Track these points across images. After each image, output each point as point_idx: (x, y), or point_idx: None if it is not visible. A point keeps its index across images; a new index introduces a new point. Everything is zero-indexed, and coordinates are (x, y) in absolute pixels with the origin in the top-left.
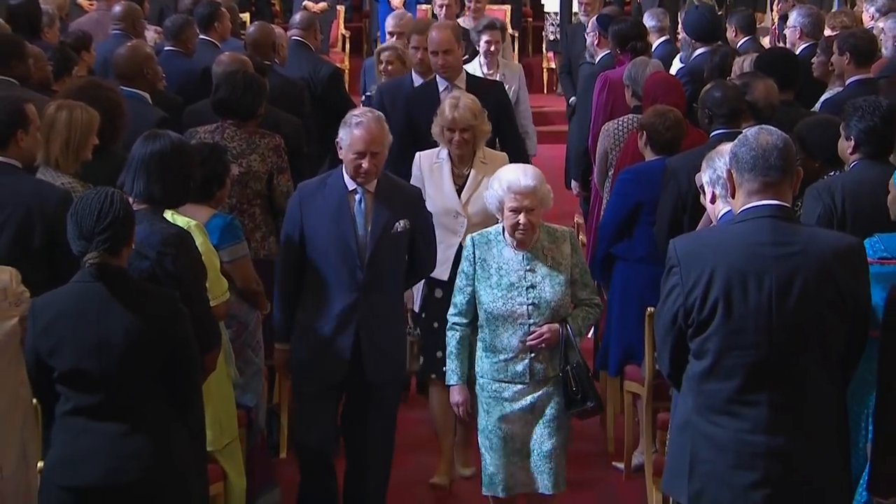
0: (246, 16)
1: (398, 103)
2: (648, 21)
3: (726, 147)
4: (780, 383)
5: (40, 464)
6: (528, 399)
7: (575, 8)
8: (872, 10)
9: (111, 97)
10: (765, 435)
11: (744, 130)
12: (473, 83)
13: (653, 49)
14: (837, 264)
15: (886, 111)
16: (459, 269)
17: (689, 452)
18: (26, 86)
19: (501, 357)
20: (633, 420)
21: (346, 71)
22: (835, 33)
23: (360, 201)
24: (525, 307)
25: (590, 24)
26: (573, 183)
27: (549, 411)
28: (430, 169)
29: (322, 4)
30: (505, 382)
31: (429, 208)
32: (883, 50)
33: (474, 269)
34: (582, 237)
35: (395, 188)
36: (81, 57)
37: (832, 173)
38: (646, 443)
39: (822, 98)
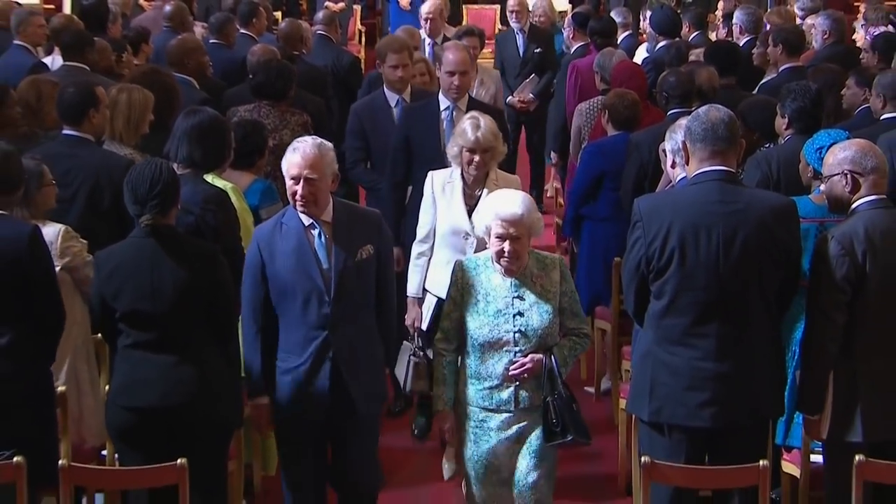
0: (278, 13)
1: (378, 120)
2: (616, 18)
3: (684, 121)
4: (726, 318)
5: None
6: (514, 428)
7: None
8: (798, 8)
9: (166, 81)
10: (713, 362)
11: (695, 108)
12: (475, 106)
13: (619, 42)
14: (774, 220)
15: (815, 94)
16: (447, 293)
17: (650, 377)
18: (95, 71)
19: (486, 384)
20: (601, 352)
21: (363, 60)
22: (770, 28)
23: (320, 235)
24: (512, 335)
25: (566, 21)
26: (552, 154)
27: (536, 441)
28: (443, 189)
29: (341, 4)
30: (490, 411)
31: (438, 228)
32: (812, 42)
33: (461, 294)
34: (560, 199)
35: (353, 215)
36: (140, 48)
37: (769, 145)
38: (612, 370)
39: (761, 82)
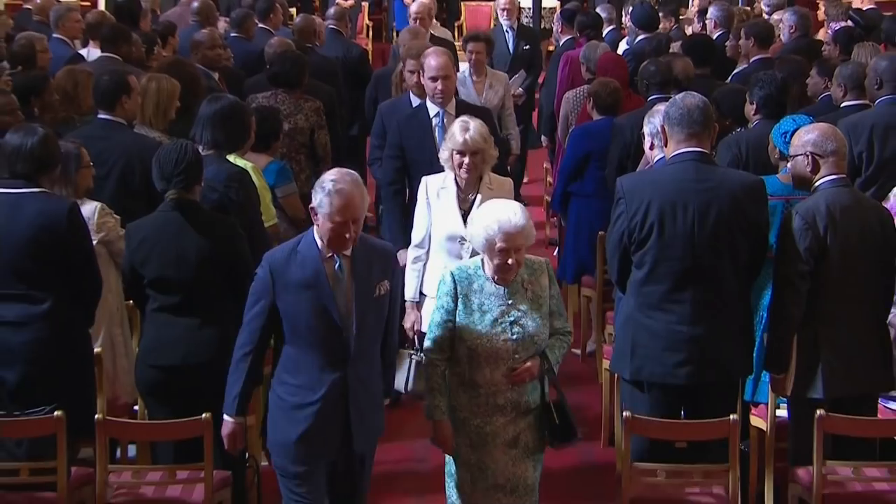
0: (293, 9)
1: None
2: (601, 13)
3: (662, 107)
4: (700, 286)
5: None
6: (510, 432)
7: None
8: (766, 5)
9: (190, 71)
10: (688, 325)
11: (673, 95)
12: (463, 109)
13: (604, 35)
14: (744, 196)
15: (781, 82)
16: (438, 303)
17: (631, 340)
18: (128, 62)
19: (482, 391)
20: (587, 317)
21: (370, 52)
22: (741, 23)
23: (340, 268)
24: (510, 343)
25: (555, 17)
26: (542, 137)
27: (531, 444)
28: (437, 194)
29: (351, 1)
30: (486, 417)
31: (434, 233)
32: (780, 36)
33: (455, 304)
34: (550, 178)
35: (370, 250)
36: (168, 41)
37: (739, 129)
38: (596, 334)
39: (734, 72)
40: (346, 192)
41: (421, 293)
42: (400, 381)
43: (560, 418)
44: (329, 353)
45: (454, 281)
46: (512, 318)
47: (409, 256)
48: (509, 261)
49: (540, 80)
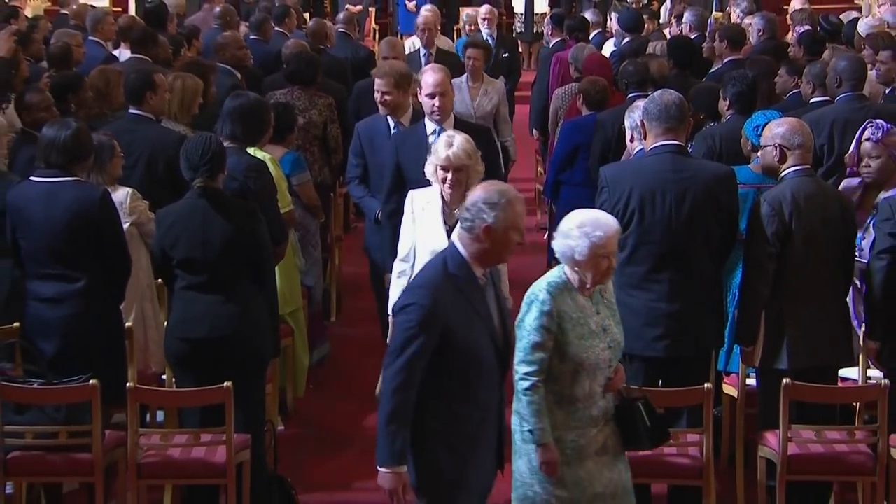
0: (307, 14)
1: (376, 143)
2: (588, 17)
3: (641, 103)
4: (677, 267)
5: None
6: (601, 440)
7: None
8: (738, 11)
9: (206, 71)
10: (666, 303)
11: (650, 92)
12: (461, 127)
13: (591, 38)
14: (717, 185)
15: (752, 81)
16: (536, 324)
17: None
18: (156, 63)
19: (580, 405)
20: None
21: (377, 53)
22: (715, 27)
23: (488, 288)
24: (606, 352)
25: (545, 20)
26: (534, 131)
27: (616, 446)
28: (423, 208)
29: (359, 7)
30: (581, 430)
31: (418, 248)
32: (751, 39)
33: (557, 323)
34: (540, 168)
35: (492, 270)
36: (192, 44)
37: (713, 124)
38: None
39: (709, 72)
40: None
41: None
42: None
43: (651, 419)
44: (492, 380)
45: (552, 298)
46: (603, 327)
47: (394, 270)
48: (612, 264)
49: (517, 85)
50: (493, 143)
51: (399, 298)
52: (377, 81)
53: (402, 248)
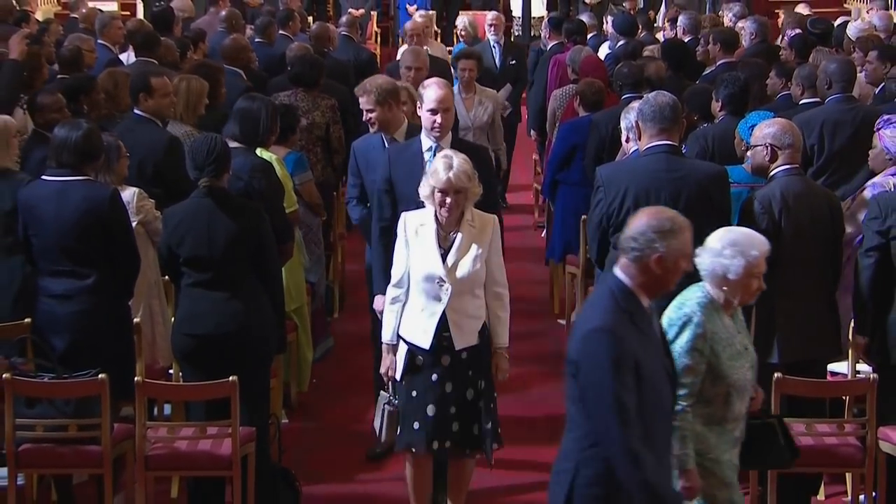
0: (310, 18)
1: (371, 160)
2: (585, 20)
3: (636, 104)
4: None
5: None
6: (736, 456)
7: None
8: (730, 15)
9: (214, 73)
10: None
11: (645, 94)
12: (458, 145)
13: (587, 40)
14: (709, 184)
15: (743, 83)
16: (689, 346)
17: None
18: (163, 65)
19: (729, 427)
20: (571, 291)
21: (378, 55)
22: (709, 30)
23: (654, 318)
24: (749, 372)
25: (543, 24)
26: (532, 132)
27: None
28: (416, 231)
29: (361, 11)
30: (732, 450)
31: (412, 272)
32: (743, 42)
33: (710, 345)
34: (538, 168)
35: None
36: (198, 46)
37: (706, 124)
38: (580, 306)
39: (703, 74)
40: None
41: (399, 336)
42: (376, 424)
43: (784, 436)
44: (669, 413)
45: (706, 321)
46: (745, 346)
47: (387, 296)
48: (762, 285)
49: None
50: (490, 163)
51: (575, 349)
52: (360, 99)
53: (396, 274)
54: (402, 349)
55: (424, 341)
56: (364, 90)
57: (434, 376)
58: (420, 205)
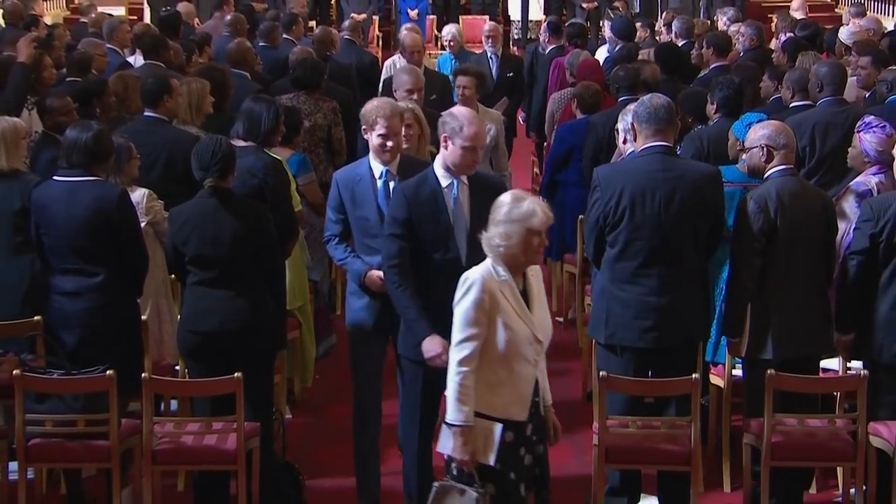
0: (313, 22)
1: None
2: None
3: (633, 106)
4: (666, 262)
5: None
6: None
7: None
8: (724, 19)
9: (219, 75)
10: (655, 296)
11: (641, 96)
12: (476, 182)
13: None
14: (704, 184)
15: (738, 85)
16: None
17: (606, 309)
18: (170, 68)
19: None
20: (569, 289)
21: (380, 59)
22: (702, 34)
23: None
24: None
25: (542, 28)
26: (531, 133)
27: None
28: (498, 292)
29: (363, 15)
30: None
31: (500, 342)
32: (737, 45)
33: None
34: (536, 169)
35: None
36: (204, 50)
37: (700, 126)
38: (577, 303)
39: (697, 77)
40: None
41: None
42: None
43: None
44: None
45: None
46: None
47: (457, 372)
48: None
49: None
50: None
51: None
52: (381, 122)
53: (469, 345)
54: (496, 429)
55: (521, 413)
56: (376, 115)
57: (522, 450)
58: (448, 245)
